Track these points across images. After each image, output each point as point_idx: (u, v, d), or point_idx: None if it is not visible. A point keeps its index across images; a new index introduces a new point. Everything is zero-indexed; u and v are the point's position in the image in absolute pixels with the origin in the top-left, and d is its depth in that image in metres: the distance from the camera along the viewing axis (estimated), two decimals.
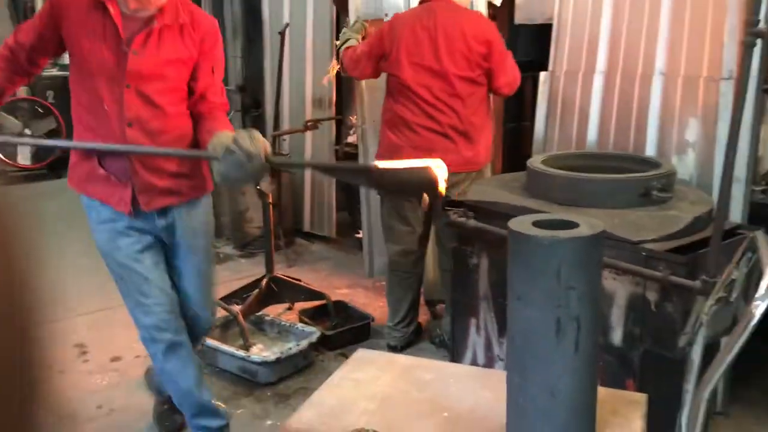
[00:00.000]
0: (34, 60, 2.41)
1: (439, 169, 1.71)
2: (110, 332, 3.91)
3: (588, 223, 1.68)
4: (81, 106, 2.40)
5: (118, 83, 2.30)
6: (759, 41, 1.97)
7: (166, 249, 2.54)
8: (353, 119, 4.80)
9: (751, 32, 1.99)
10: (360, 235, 4.83)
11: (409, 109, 3.23)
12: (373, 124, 4.20)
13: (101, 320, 4.10)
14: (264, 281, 3.81)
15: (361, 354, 2.24)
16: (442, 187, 1.71)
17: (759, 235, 1.73)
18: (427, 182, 1.72)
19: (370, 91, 4.19)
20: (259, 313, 3.69)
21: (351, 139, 5.26)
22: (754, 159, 2.87)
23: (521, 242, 1.65)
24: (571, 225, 1.70)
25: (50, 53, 2.42)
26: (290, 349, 3.29)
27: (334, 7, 4.95)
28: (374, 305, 4.23)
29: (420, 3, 3.34)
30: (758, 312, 1.48)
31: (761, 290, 1.49)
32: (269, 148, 1.95)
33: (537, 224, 1.70)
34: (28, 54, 2.37)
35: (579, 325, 1.64)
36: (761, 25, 2.01)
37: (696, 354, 1.96)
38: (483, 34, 3.17)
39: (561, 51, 3.47)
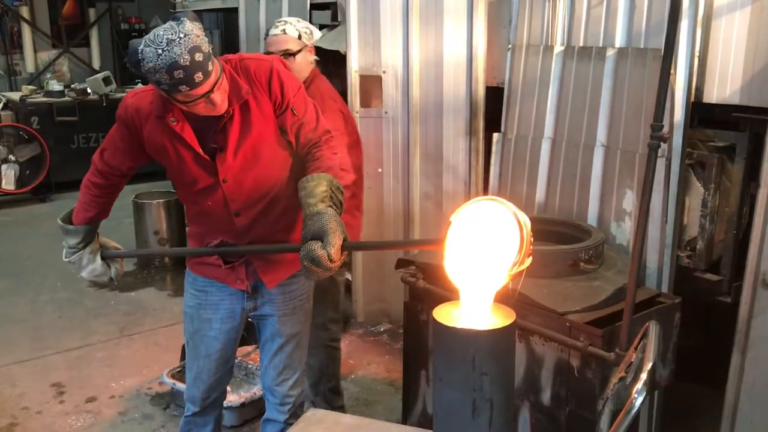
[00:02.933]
0: (128, 174, 2.40)
1: None
2: (88, 371, 4.12)
3: (503, 314, 1.92)
4: (186, 198, 2.41)
5: (215, 181, 2.27)
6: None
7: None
8: None
9: (654, 136, 2.24)
10: None
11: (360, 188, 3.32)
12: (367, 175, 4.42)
13: (80, 358, 4.29)
14: None
15: (311, 414, 2.48)
16: None
17: (652, 325, 1.96)
18: None
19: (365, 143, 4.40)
20: None
21: None
22: (680, 226, 3.12)
23: (442, 331, 1.89)
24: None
25: (144, 162, 2.38)
26: (255, 393, 3.51)
27: None
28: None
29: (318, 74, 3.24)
30: (637, 403, 1.72)
31: (639, 383, 1.73)
32: (344, 238, 2.00)
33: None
34: (124, 172, 2.37)
35: (492, 406, 1.88)
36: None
37: (604, 424, 2.19)
38: None
39: (512, 114, 3.73)
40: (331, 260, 1.98)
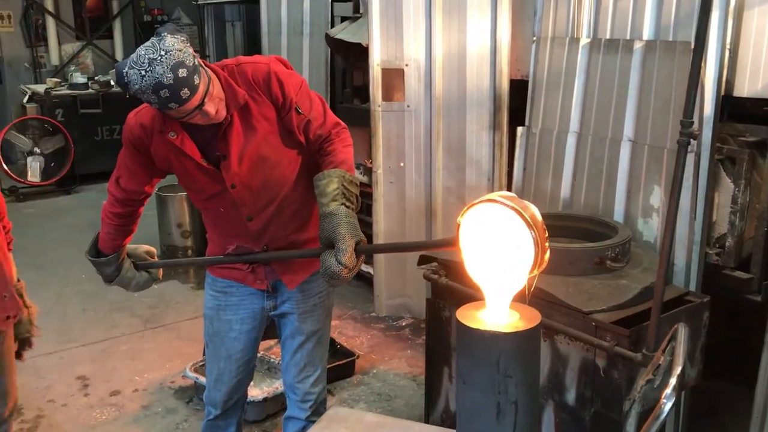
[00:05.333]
0: (146, 197, 2.39)
1: None
2: (112, 364, 4.15)
3: (528, 315, 1.88)
4: (199, 205, 2.43)
5: (223, 188, 2.25)
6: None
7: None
8: (368, 162, 4.77)
9: (684, 132, 2.19)
10: None
11: None
12: (389, 169, 4.45)
13: (104, 351, 4.33)
14: None
15: (333, 412, 2.47)
16: None
17: (680, 327, 1.92)
18: None
19: (387, 137, 4.42)
20: None
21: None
22: (709, 223, 3.06)
23: (466, 333, 1.86)
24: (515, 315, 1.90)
25: (160, 178, 2.38)
26: (277, 388, 3.51)
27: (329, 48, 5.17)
28: (362, 338, 4.46)
29: None
30: (666, 408, 1.68)
31: (669, 389, 1.69)
32: (357, 241, 2.02)
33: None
34: (143, 195, 2.36)
35: (517, 408, 1.84)
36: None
37: (630, 426, 2.16)
38: None
39: (537, 108, 3.67)
40: (347, 268, 2.00)
